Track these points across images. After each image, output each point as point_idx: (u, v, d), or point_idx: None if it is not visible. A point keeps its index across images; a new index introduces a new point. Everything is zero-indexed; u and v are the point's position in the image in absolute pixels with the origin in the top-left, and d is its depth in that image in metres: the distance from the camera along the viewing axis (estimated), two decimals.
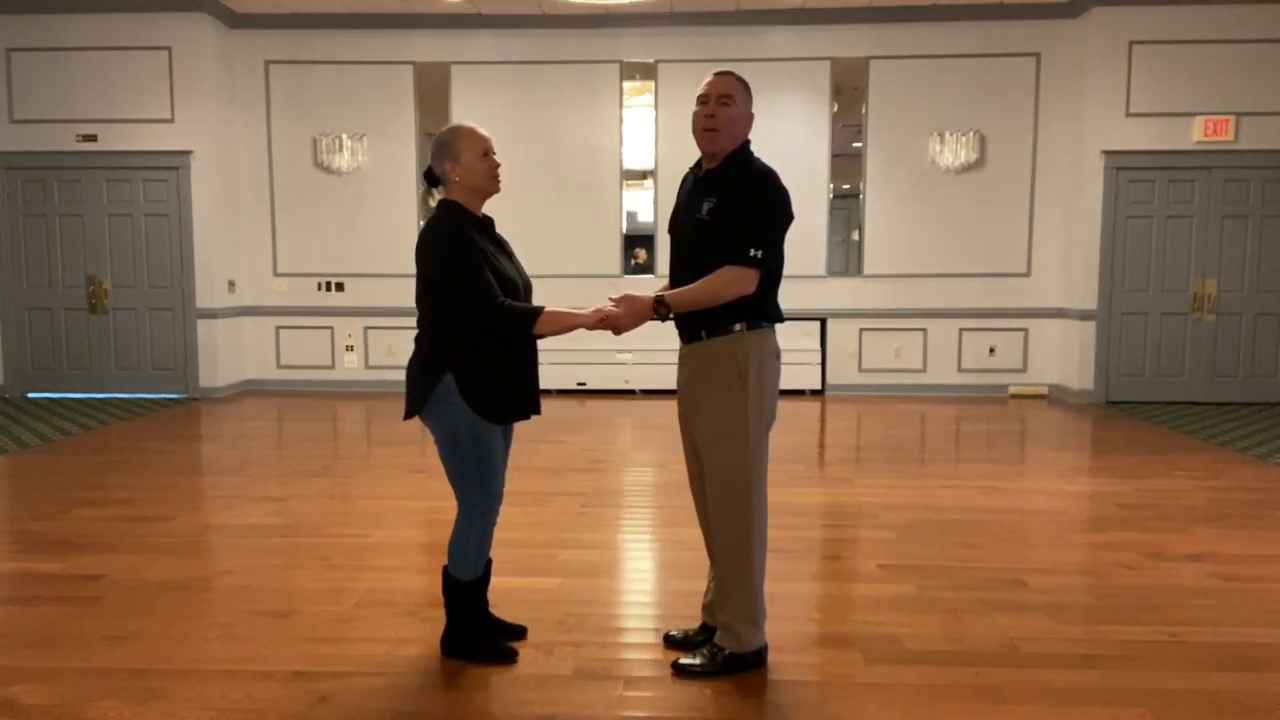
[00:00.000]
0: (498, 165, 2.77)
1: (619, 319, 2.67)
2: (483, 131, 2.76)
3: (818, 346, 8.63)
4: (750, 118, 2.74)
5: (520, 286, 2.78)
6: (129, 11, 8.09)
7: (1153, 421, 7.29)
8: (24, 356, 8.51)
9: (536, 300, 2.85)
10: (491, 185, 2.77)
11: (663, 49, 8.53)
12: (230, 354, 8.69)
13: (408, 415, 2.80)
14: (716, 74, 2.74)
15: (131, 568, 3.72)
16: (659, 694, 2.65)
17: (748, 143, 2.75)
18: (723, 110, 2.67)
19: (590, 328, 2.72)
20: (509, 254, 2.84)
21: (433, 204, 2.82)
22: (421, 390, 2.71)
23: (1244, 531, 4.26)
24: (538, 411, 2.85)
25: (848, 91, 8.58)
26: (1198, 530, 4.28)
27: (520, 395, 2.78)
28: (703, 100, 2.70)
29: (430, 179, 2.78)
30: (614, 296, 2.72)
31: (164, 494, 4.95)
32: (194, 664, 2.82)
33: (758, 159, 2.75)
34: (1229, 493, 5.02)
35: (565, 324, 2.70)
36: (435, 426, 2.74)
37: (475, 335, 2.67)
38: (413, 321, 2.89)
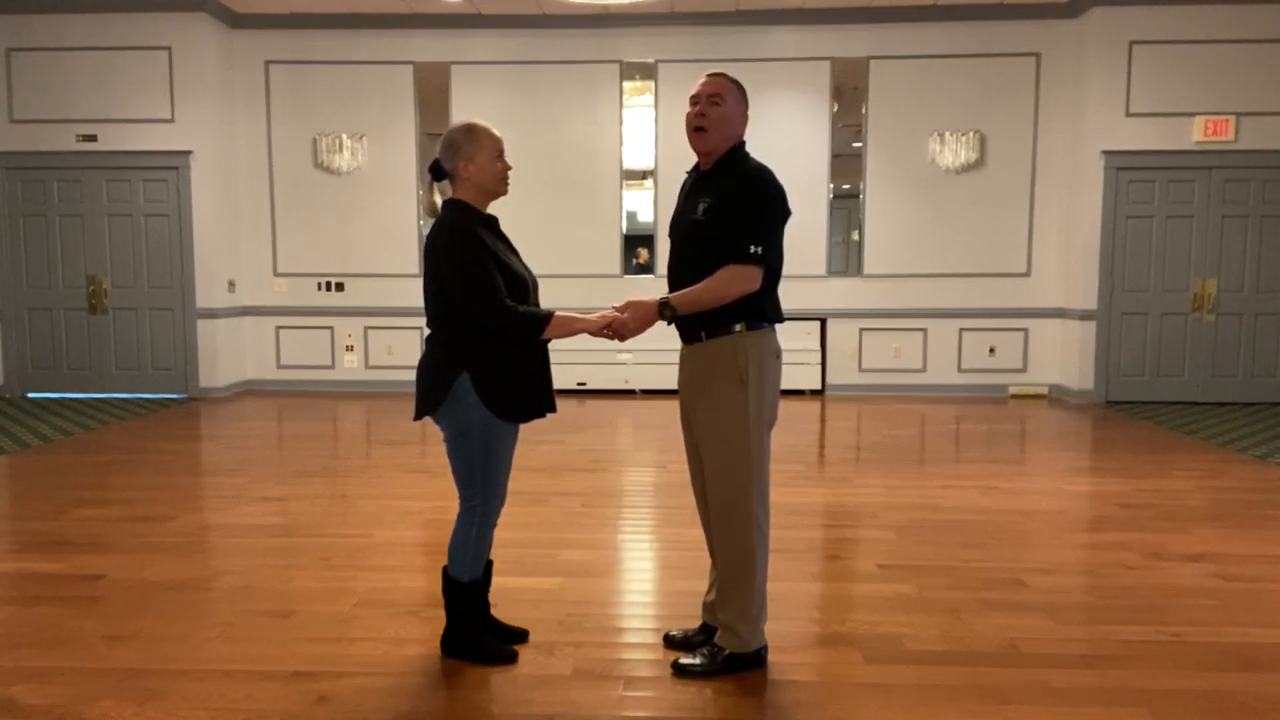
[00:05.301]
0: (508, 168, 2.79)
1: (625, 324, 2.67)
2: (496, 133, 2.77)
3: (818, 346, 8.63)
4: (743, 117, 2.75)
5: (530, 284, 2.78)
6: (129, 11, 8.09)
7: (1153, 421, 7.29)
8: (24, 356, 8.51)
9: (540, 301, 2.85)
10: (501, 187, 2.78)
11: (663, 49, 8.53)
12: (230, 354, 8.69)
13: (419, 415, 2.79)
14: (708, 75, 2.76)
15: (131, 568, 3.72)
16: (659, 694, 2.65)
17: (743, 143, 2.75)
18: (713, 110, 2.68)
19: (595, 334, 2.72)
20: (515, 252, 2.84)
21: (436, 200, 2.81)
22: (437, 390, 2.70)
23: (1244, 531, 4.26)
24: (553, 409, 2.84)
25: (848, 91, 8.58)
26: (1198, 530, 4.28)
27: (536, 393, 2.77)
28: (694, 101, 2.72)
29: (437, 173, 2.77)
30: (617, 305, 2.72)
31: (164, 494, 4.94)
32: (194, 664, 2.82)
33: (752, 158, 2.75)
34: (1229, 493, 5.02)
35: (573, 328, 2.70)
36: (447, 426, 2.74)
37: (490, 334, 2.66)
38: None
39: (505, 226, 2.88)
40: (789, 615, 3.19)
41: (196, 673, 2.76)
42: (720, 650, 2.76)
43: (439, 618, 3.03)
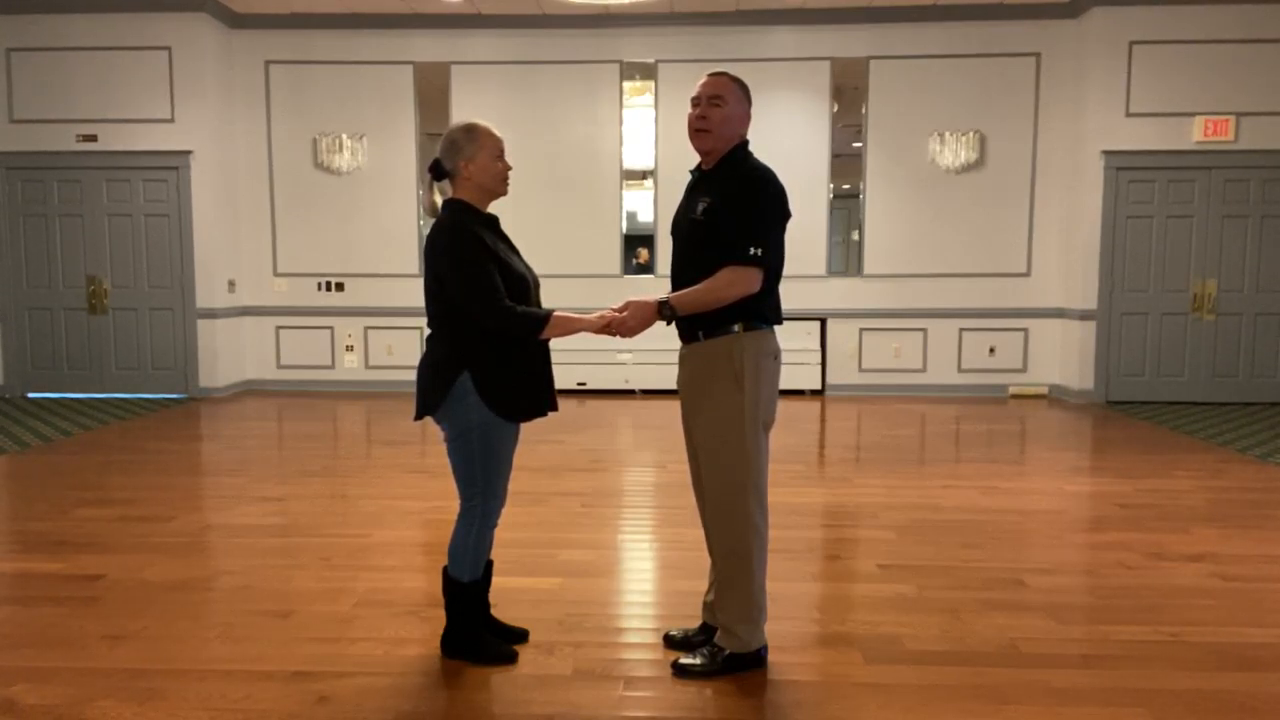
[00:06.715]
0: (509, 168, 2.79)
1: (625, 323, 2.68)
2: (497, 133, 2.77)
3: (818, 346, 8.63)
4: (745, 117, 2.74)
5: (531, 283, 2.79)
6: (129, 11, 8.09)
7: (1153, 421, 7.29)
8: (24, 356, 8.51)
9: (541, 300, 2.86)
10: (501, 187, 2.79)
11: (663, 49, 8.53)
12: (230, 354, 8.69)
13: (419, 415, 2.79)
14: (709, 75, 2.76)
15: (131, 568, 3.72)
16: (659, 694, 2.65)
17: (745, 142, 2.75)
18: (714, 111, 2.68)
19: (596, 332, 2.73)
20: (516, 251, 2.85)
21: (437, 200, 2.81)
22: (438, 390, 2.70)
23: (1244, 531, 4.26)
24: (555, 408, 2.85)
25: (848, 91, 8.58)
26: (1198, 530, 4.28)
27: (537, 392, 2.78)
28: (695, 102, 2.72)
29: (437, 172, 2.77)
30: (616, 306, 2.72)
31: (164, 494, 4.94)
32: (194, 664, 2.83)
33: (753, 158, 2.75)
34: (1229, 493, 5.02)
35: (572, 328, 2.71)
36: (447, 426, 2.74)
37: (490, 334, 2.67)
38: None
39: (505, 226, 2.88)
40: (789, 615, 3.19)
41: (196, 673, 2.76)
42: (720, 650, 2.76)
43: (439, 618, 3.03)
